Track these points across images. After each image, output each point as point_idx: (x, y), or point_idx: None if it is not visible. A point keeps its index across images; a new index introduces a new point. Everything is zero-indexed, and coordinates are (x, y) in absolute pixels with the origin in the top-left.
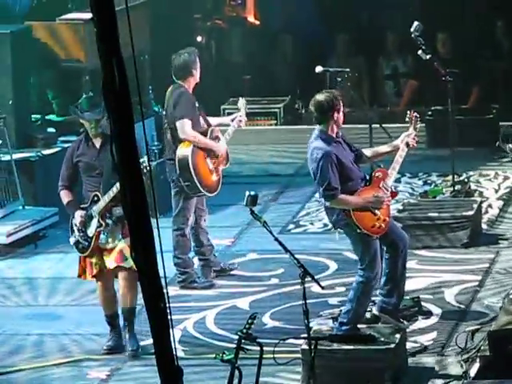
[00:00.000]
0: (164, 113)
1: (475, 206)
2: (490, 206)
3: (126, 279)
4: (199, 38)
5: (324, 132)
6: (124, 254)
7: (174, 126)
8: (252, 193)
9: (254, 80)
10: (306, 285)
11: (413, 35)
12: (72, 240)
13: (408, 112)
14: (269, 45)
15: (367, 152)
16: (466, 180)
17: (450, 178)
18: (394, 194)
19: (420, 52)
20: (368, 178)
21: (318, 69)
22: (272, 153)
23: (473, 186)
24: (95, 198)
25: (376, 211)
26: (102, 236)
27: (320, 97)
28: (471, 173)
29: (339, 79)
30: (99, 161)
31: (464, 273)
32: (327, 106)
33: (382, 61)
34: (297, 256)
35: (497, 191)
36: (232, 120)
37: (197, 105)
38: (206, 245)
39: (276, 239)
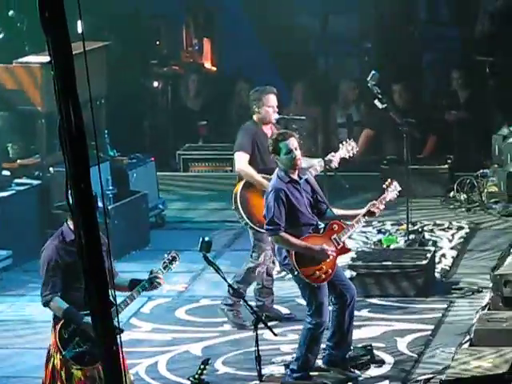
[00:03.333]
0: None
1: (429, 255)
2: (443, 255)
3: None
4: (156, 84)
5: (281, 170)
6: None
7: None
8: (206, 238)
9: (210, 126)
10: (259, 331)
11: (369, 84)
12: (71, 353)
13: (388, 180)
14: (225, 91)
15: (337, 211)
16: (420, 229)
17: (404, 227)
18: (346, 250)
19: (376, 101)
20: (323, 227)
21: (275, 116)
22: (226, 199)
23: (427, 236)
24: None
25: (318, 260)
26: None
27: (272, 137)
28: (425, 222)
29: (295, 127)
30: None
31: (417, 322)
32: (270, 149)
33: (336, 109)
34: (250, 303)
35: (451, 241)
36: (319, 161)
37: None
38: (266, 287)
39: (230, 285)
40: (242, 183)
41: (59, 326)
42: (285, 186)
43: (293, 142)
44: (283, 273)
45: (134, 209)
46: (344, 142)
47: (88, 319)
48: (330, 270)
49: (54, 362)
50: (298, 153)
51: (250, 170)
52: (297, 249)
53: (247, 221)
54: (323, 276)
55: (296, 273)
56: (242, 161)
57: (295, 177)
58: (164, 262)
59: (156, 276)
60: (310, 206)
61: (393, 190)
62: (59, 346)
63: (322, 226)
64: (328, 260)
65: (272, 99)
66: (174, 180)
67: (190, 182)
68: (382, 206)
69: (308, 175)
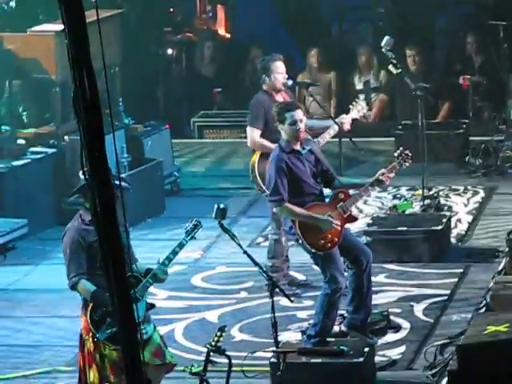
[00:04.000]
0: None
1: (444, 220)
2: (459, 220)
3: (161, 377)
4: (170, 51)
5: (284, 141)
6: (162, 348)
7: None
8: (221, 205)
9: (225, 93)
10: (275, 298)
11: (383, 50)
12: (104, 334)
13: (400, 149)
14: (239, 58)
15: (343, 179)
16: (435, 194)
17: (419, 192)
18: (352, 219)
19: (390, 67)
20: (330, 196)
21: (289, 82)
22: (241, 166)
23: (442, 201)
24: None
25: (323, 229)
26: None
27: (278, 105)
28: (441, 187)
29: (309, 91)
30: None
31: (433, 287)
32: (275, 117)
33: (353, 75)
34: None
35: (466, 206)
36: (335, 122)
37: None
38: (286, 254)
39: (245, 252)
40: (258, 154)
41: (89, 309)
42: (286, 157)
43: (298, 114)
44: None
45: (149, 176)
46: (354, 103)
47: None
48: (336, 239)
49: (87, 346)
50: (302, 125)
51: (263, 143)
52: (301, 218)
53: (266, 191)
54: (328, 245)
55: (301, 241)
56: (254, 135)
57: (297, 147)
58: (187, 231)
59: (163, 271)
60: (314, 176)
61: (406, 159)
62: (92, 329)
63: (330, 194)
64: (333, 229)
65: (280, 66)
66: (189, 147)
67: (206, 148)
68: (391, 175)
69: (312, 145)
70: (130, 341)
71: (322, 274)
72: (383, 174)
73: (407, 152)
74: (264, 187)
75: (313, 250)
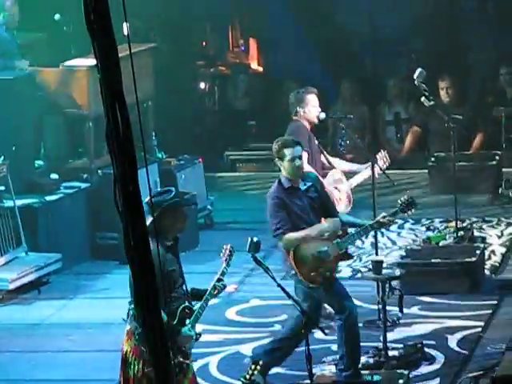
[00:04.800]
0: None
1: (478, 252)
2: (493, 252)
3: None
4: (202, 85)
5: (283, 177)
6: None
7: None
8: (255, 239)
9: (259, 126)
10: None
11: (416, 82)
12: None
13: (406, 196)
14: (273, 91)
15: (344, 217)
16: (468, 226)
17: (453, 224)
18: (347, 256)
19: (423, 99)
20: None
21: (322, 115)
22: None
23: (476, 233)
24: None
25: (319, 258)
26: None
27: (278, 142)
28: (474, 219)
29: (342, 126)
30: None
31: (467, 319)
32: (274, 153)
33: (383, 107)
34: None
35: (500, 237)
36: (365, 168)
37: (316, 142)
38: None
39: (279, 285)
40: None
41: None
42: (283, 193)
43: (297, 150)
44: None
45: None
46: (379, 153)
47: (185, 330)
48: (328, 273)
49: (134, 370)
50: (300, 162)
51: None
52: (306, 237)
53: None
54: (319, 278)
55: (294, 272)
56: (305, 160)
57: (297, 184)
58: (225, 259)
59: (219, 279)
60: (315, 211)
61: (407, 206)
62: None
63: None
64: (327, 262)
65: (314, 99)
66: (222, 181)
67: (239, 182)
68: (392, 218)
69: (315, 181)
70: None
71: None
72: (384, 217)
73: (413, 200)
74: None
75: (303, 283)
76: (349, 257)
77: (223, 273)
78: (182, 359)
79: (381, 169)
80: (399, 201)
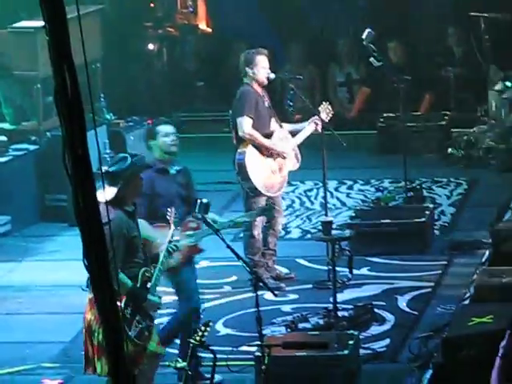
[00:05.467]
0: (230, 112)
1: (427, 212)
2: (442, 212)
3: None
4: (151, 46)
5: (153, 158)
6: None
7: (236, 125)
8: (204, 200)
9: (208, 88)
10: (259, 292)
11: (364, 43)
12: (135, 332)
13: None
14: (222, 52)
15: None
16: (418, 187)
17: (402, 184)
18: (197, 250)
19: (371, 59)
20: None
21: (271, 76)
22: (224, 160)
23: (425, 193)
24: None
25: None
26: None
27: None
28: (424, 179)
29: (291, 86)
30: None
31: (417, 279)
32: (148, 136)
33: (334, 68)
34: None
35: (449, 198)
36: (308, 123)
37: (266, 105)
38: (270, 248)
39: (228, 246)
40: (247, 147)
41: (121, 305)
42: (153, 175)
43: (169, 128)
44: (282, 233)
45: None
46: (321, 106)
47: (151, 297)
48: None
49: (98, 338)
50: (171, 139)
51: (256, 134)
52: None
53: (255, 185)
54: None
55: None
56: (247, 125)
57: (167, 166)
58: (172, 222)
59: (169, 241)
60: (181, 198)
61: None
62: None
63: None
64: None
65: (264, 60)
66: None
67: (187, 144)
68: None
69: (182, 167)
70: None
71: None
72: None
73: (270, 207)
74: (254, 184)
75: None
76: (198, 250)
77: (173, 235)
78: (147, 324)
79: (323, 121)
80: (259, 205)
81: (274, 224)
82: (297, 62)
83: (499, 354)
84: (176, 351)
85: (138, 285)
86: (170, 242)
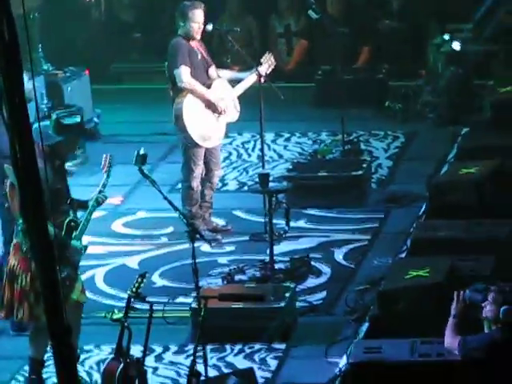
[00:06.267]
0: (166, 63)
1: (365, 165)
2: (379, 165)
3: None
4: None
5: None
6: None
7: (172, 77)
8: (141, 151)
9: (145, 39)
10: (196, 244)
11: None
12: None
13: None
14: (160, 2)
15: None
16: (355, 140)
17: (339, 137)
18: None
19: (310, 12)
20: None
21: (208, 27)
22: (162, 112)
23: (362, 146)
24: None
25: None
26: None
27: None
28: (361, 132)
29: (229, 38)
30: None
31: (354, 232)
32: None
33: (274, 20)
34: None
35: (386, 151)
36: (250, 74)
37: (199, 57)
38: (207, 201)
39: (165, 198)
40: (186, 97)
41: None
42: None
43: None
44: (219, 185)
45: None
46: (264, 57)
47: (74, 243)
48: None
49: (21, 283)
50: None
51: (195, 83)
52: None
53: (192, 136)
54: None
55: None
56: (186, 74)
57: None
58: (105, 170)
59: (100, 191)
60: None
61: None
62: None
63: None
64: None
65: (199, 15)
66: (109, 93)
67: (124, 95)
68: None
69: None
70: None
71: None
72: (100, 192)
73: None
74: (188, 129)
75: None
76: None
77: (104, 184)
78: (70, 272)
79: (264, 75)
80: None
81: (210, 177)
82: (236, 13)
83: (451, 315)
84: (113, 303)
85: (63, 233)
86: (100, 191)
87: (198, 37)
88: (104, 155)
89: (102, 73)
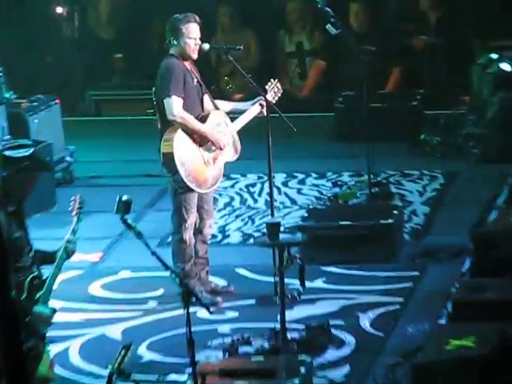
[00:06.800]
0: (153, 90)
1: (396, 212)
2: (413, 212)
3: None
4: (59, 10)
5: None
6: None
7: (161, 106)
8: (124, 197)
9: (128, 60)
10: (191, 309)
11: (319, 5)
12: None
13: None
14: (144, 17)
15: None
16: (384, 181)
17: (365, 178)
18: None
19: (328, 26)
20: None
21: (205, 46)
22: (148, 148)
23: (393, 189)
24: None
25: None
26: None
27: None
28: (391, 172)
29: (230, 59)
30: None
31: (383, 293)
32: None
33: (282, 37)
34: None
35: (422, 194)
36: (252, 104)
37: (195, 82)
38: (200, 256)
39: (153, 253)
40: (176, 133)
41: None
42: None
43: None
44: (219, 237)
45: None
46: (269, 84)
47: (39, 309)
48: None
49: None
50: None
51: (188, 117)
52: None
53: (184, 179)
54: None
55: None
56: (177, 106)
57: None
58: (76, 214)
59: (69, 241)
60: None
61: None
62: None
63: None
64: None
65: (195, 29)
66: (84, 126)
67: (104, 128)
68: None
69: None
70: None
71: None
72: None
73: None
74: (183, 178)
75: None
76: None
77: (74, 230)
78: (35, 343)
79: (269, 103)
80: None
81: (201, 228)
82: (229, 27)
83: None
84: (91, 382)
85: (25, 295)
86: (69, 240)
87: (195, 56)
88: (73, 197)
89: (75, 102)
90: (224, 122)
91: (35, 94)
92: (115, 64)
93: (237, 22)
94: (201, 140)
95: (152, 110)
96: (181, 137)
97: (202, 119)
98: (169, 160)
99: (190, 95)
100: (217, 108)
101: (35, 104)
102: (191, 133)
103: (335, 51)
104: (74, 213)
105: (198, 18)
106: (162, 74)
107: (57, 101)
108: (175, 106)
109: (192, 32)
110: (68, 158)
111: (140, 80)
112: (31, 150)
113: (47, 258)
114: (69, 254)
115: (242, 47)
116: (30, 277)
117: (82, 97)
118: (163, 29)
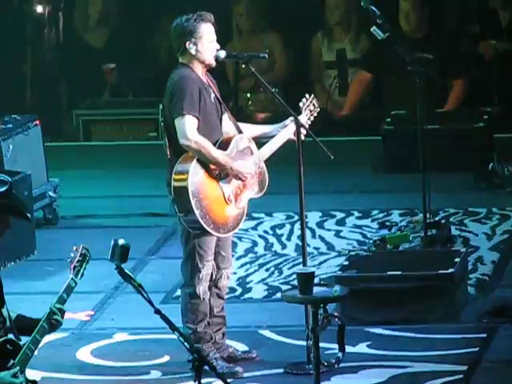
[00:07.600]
0: (160, 108)
1: (458, 259)
2: (480, 259)
3: None
4: (39, 9)
5: None
6: None
7: (171, 129)
8: (120, 242)
9: (122, 71)
10: (204, 381)
11: (363, 4)
12: None
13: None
14: (143, 18)
15: None
16: (443, 221)
17: (419, 218)
18: None
19: (373, 28)
20: None
21: (222, 54)
22: (150, 181)
23: (454, 231)
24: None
25: None
26: None
27: None
28: (452, 210)
29: (252, 69)
30: None
31: (443, 361)
32: None
33: (318, 41)
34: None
35: (490, 238)
36: (283, 127)
37: (212, 98)
38: (215, 315)
39: (157, 311)
40: (190, 163)
41: None
42: None
43: None
44: (239, 291)
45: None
46: (303, 101)
47: (9, 379)
48: None
49: None
50: None
51: (205, 143)
52: None
53: (200, 220)
54: None
55: None
56: (191, 129)
57: None
58: (74, 266)
59: (53, 312)
60: None
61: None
62: None
63: None
64: None
65: (210, 31)
66: (70, 153)
67: (95, 155)
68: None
69: None
70: None
71: None
72: (52, 314)
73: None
74: (199, 219)
75: None
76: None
77: (70, 287)
78: None
79: (302, 126)
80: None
81: (216, 279)
82: (248, 29)
83: None
84: None
85: None
86: (51, 313)
87: (214, 64)
88: (75, 246)
89: (60, 123)
90: (249, 149)
91: (10, 114)
92: (108, 76)
93: (257, 22)
94: (220, 171)
95: (155, 133)
96: (196, 168)
97: (222, 146)
98: (181, 197)
99: (207, 115)
100: (240, 131)
101: (9, 126)
102: (208, 162)
103: (382, 60)
104: (73, 265)
105: (212, 17)
106: (173, 89)
107: (37, 122)
108: (189, 127)
109: (210, 34)
110: (51, 193)
111: (139, 96)
112: (5, 187)
113: (26, 325)
114: (52, 325)
115: (266, 55)
116: (1, 340)
117: (67, 117)
118: (168, 32)
